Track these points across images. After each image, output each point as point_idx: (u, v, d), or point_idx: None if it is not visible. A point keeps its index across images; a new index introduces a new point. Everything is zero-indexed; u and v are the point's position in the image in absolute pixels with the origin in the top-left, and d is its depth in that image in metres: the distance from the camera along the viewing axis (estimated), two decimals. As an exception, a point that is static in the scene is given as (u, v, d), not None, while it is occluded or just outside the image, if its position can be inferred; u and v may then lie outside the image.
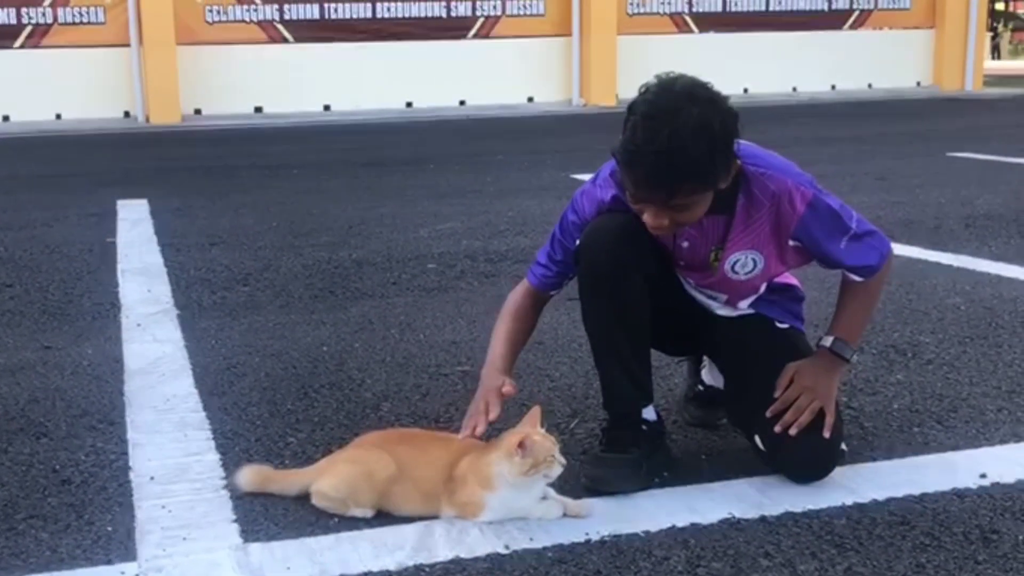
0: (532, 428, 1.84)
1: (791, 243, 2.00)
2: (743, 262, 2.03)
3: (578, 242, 2.07)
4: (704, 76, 1.81)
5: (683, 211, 1.85)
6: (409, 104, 12.04)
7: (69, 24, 11.10)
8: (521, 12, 12.38)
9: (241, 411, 2.49)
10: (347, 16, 11.84)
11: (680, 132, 1.74)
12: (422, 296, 3.72)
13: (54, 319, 3.45)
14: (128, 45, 11.17)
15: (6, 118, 11.00)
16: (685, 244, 2.03)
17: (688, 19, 13.01)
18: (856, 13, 13.58)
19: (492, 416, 1.95)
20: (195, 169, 7.63)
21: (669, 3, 12.90)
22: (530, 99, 12.49)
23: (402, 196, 6.05)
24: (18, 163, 8.35)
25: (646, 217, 1.88)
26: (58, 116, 11.11)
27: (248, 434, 2.33)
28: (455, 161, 7.73)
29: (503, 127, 10.63)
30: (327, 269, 4.15)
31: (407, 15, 12.00)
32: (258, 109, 11.65)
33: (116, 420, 2.43)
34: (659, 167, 1.76)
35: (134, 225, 5.16)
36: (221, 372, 2.81)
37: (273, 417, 2.45)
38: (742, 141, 1.86)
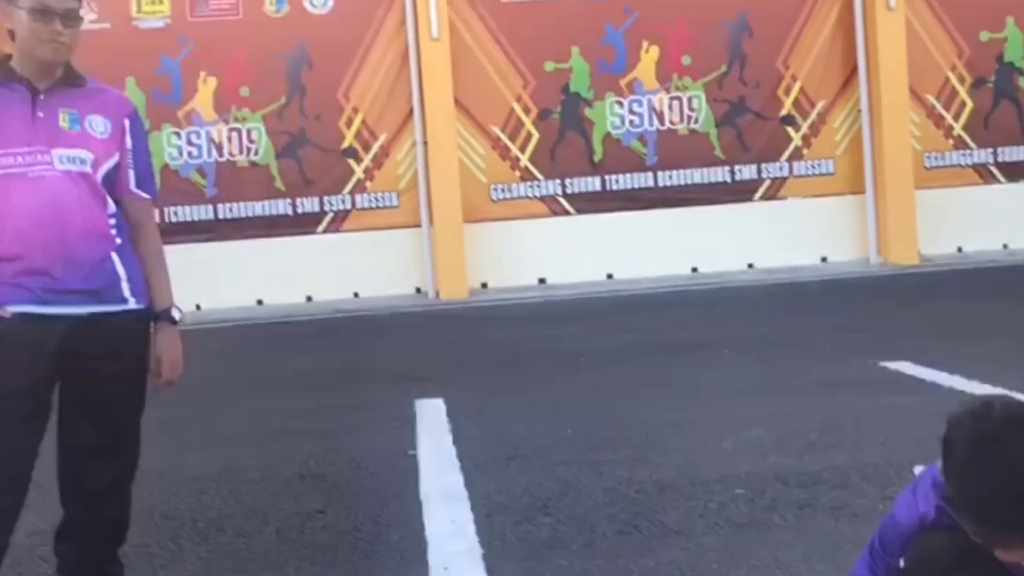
0: None
1: None
2: None
3: (903, 563, 1.93)
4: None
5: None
6: (695, 269, 12.05)
7: (366, 209, 12.04)
8: (809, 172, 12.23)
9: None
10: (628, 186, 12.14)
11: None
12: (732, 534, 3.59)
13: (365, 558, 3.59)
14: (419, 226, 11.94)
15: (309, 298, 11.94)
16: None
17: (993, 169, 12.37)
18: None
19: None
20: (486, 357, 7.88)
21: (971, 154, 12.33)
22: (823, 259, 12.19)
23: (698, 392, 5.97)
24: (320, 349, 9.00)
25: (1004, 555, 1.73)
26: (356, 295, 11.95)
27: None
28: (749, 343, 7.54)
29: (795, 295, 10.39)
30: (628, 495, 4.10)
31: (690, 181, 12.14)
32: (542, 280, 12.04)
33: None
34: None
35: (432, 433, 5.35)
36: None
37: None
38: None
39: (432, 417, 5.69)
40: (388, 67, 11.93)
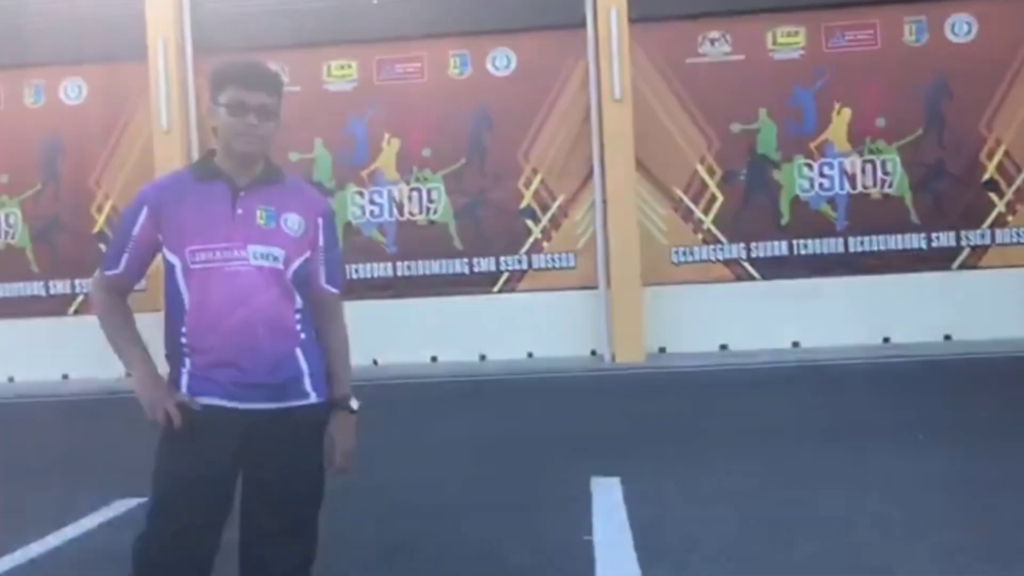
0: None
1: None
2: None
3: None
4: None
5: None
6: (886, 340, 11.56)
7: (543, 269, 12.11)
8: (1013, 240, 11.59)
9: None
10: (817, 251, 11.78)
11: None
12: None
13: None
14: (596, 287, 11.91)
15: (483, 357, 12.04)
16: None
17: None
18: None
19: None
20: (665, 430, 7.71)
21: None
22: (1030, 330, 11.48)
23: (888, 485, 5.63)
24: (493, 412, 9.02)
25: None
26: (530, 355, 11.99)
27: None
28: (947, 428, 7.09)
29: (999, 372, 9.80)
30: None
31: (883, 247, 11.69)
32: (723, 347, 11.78)
33: None
34: None
35: (609, 517, 5.24)
36: None
37: None
38: None
39: (608, 498, 5.58)
40: (569, 128, 12.03)
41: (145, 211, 2.92)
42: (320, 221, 3.04)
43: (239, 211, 2.91)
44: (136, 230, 2.93)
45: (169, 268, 2.91)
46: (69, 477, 6.89)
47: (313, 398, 2.97)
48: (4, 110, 12.75)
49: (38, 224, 12.71)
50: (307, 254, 2.99)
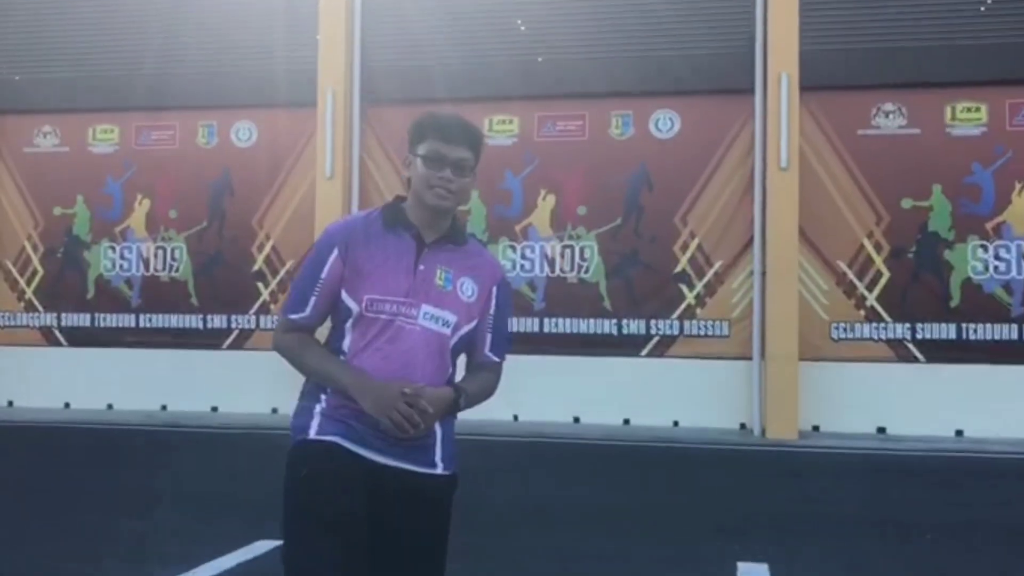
0: None
1: None
2: None
3: None
4: None
5: None
6: (1062, 435, 10.85)
7: (695, 336, 11.83)
8: None
9: None
10: (988, 337, 11.18)
11: None
12: None
13: None
14: (750, 358, 11.56)
15: (627, 421, 11.81)
16: None
17: None
18: None
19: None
20: (817, 518, 7.32)
21: None
22: None
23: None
24: (635, 481, 8.78)
25: None
26: (675, 423, 11.70)
27: None
28: None
29: None
30: None
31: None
32: (881, 429, 11.26)
33: None
34: None
35: (757, 606, 4.97)
36: None
37: None
38: None
39: (756, 587, 5.30)
40: (730, 194, 11.81)
41: (335, 252, 2.83)
42: (494, 289, 2.95)
43: (421, 267, 2.82)
44: (325, 272, 2.83)
45: (343, 311, 2.83)
46: (211, 512, 6.97)
47: (440, 469, 2.85)
48: (178, 149, 13.29)
49: (201, 259, 13.17)
50: (475, 321, 2.91)
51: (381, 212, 2.91)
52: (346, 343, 2.82)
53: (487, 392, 2.97)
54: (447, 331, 2.83)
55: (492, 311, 2.95)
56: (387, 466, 2.77)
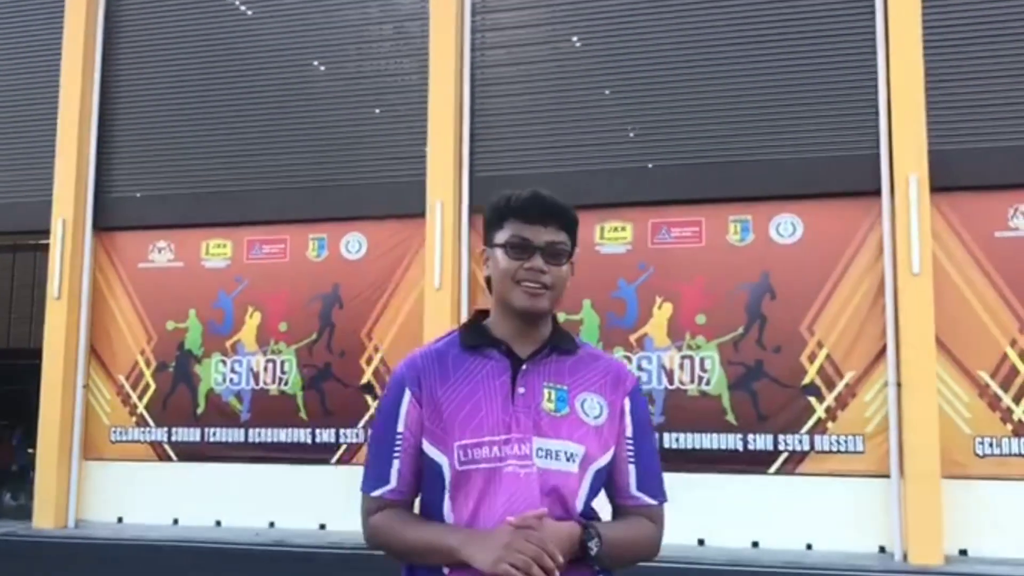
0: None
1: None
2: None
3: None
4: None
5: None
6: None
7: (827, 452, 11.09)
8: None
9: None
10: None
11: None
12: None
13: None
14: (888, 476, 10.78)
15: (755, 544, 11.09)
16: None
17: None
18: None
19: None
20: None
21: None
22: None
23: None
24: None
25: None
26: (808, 547, 10.94)
27: None
28: None
29: None
30: None
31: None
32: (1036, 562, 10.33)
33: None
34: None
35: None
36: None
37: None
38: None
39: None
40: (860, 301, 11.19)
41: (408, 397, 2.21)
42: (627, 402, 2.25)
43: (520, 390, 2.17)
44: (401, 424, 2.20)
45: (431, 468, 2.19)
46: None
47: None
48: (289, 262, 13.18)
49: (310, 372, 12.95)
50: (611, 450, 2.22)
51: (459, 333, 2.30)
52: (448, 511, 2.17)
53: (641, 544, 2.27)
54: (575, 469, 2.15)
55: (630, 432, 2.25)
56: None
